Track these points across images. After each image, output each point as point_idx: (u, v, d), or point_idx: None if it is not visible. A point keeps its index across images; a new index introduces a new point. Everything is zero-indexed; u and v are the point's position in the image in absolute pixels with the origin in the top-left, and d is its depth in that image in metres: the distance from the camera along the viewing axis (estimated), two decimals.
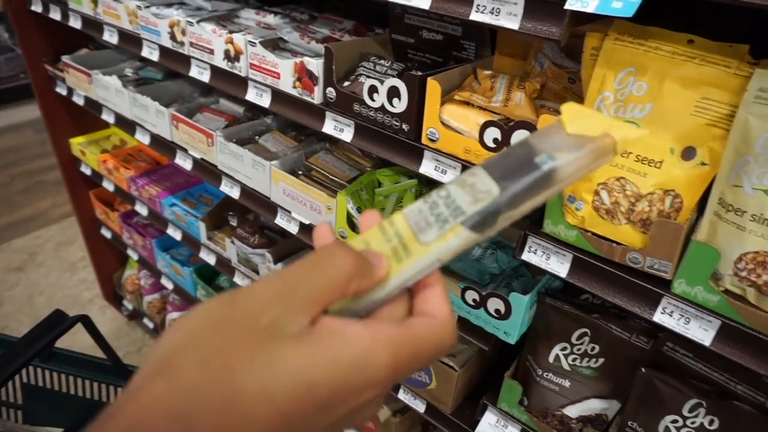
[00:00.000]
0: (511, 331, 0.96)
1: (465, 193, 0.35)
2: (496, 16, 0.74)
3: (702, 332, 0.74)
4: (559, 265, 0.85)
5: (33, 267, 2.91)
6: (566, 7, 0.64)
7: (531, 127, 0.79)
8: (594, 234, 0.80)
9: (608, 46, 0.75)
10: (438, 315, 0.36)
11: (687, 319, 0.75)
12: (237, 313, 0.29)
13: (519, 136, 0.80)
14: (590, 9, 0.62)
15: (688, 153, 0.72)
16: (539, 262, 0.87)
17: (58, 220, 3.28)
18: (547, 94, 0.94)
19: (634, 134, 0.35)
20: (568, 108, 0.36)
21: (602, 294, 0.81)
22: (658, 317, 0.77)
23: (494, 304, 0.96)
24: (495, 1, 0.74)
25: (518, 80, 0.91)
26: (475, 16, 0.76)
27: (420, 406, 1.27)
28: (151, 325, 2.40)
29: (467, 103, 0.89)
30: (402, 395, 1.30)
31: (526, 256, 0.88)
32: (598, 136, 0.34)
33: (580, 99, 0.91)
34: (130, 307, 2.48)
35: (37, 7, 1.76)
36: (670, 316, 0.76)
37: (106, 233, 2.30)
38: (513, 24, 0.73)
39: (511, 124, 0.80)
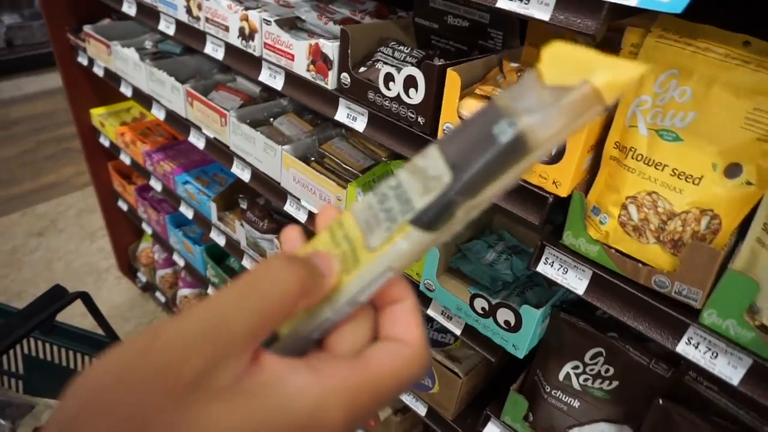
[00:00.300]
0: (520, 345, 0.90)
1: (415, 180, 0.28)
2: (526, 4, 0.66)
3: (730, 369, 0.66)
4: (576, 281, 0.78)
5: (54, 233, 2.94)
6: None
7: None
8: (618, 251, 0.73)
9: (650, 43, 0.67)
10: (407, 340, 0.30)
11: (714, 354, 0.68)
12: (155, 362, 0.24)
13: None
14: (632, 2, 0.54)
15: (732, 170, 0.64)
16: (555, 275, 0.80)
17: (81, 187, 3.30)
18: None
19: (624, 76, 0.25)
20: (551, 50, 0.27)
21: (621, 317, 0.74)
22: (682, 348, 0.70)
23: (504, 315, 0.89)
24: None
25: None
26: (502, 3, 0.69)
27: (421, 409, 1.22)
28: (163, 298, 2.40)
29: (489, 98, 0.82)
30: (403, 396, 1.25)
31: (542, 268, 0.81)
32: (575, 84, 0.26)
33: None
34: (143, 279, 2.48)
35: None
36: (696, 348, 0.69)
37: (123, 205, 2.29)
38: (544, 14, 0.65)
39: None
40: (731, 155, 0.63)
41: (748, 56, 0.61)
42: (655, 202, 0.68)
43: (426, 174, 0.28)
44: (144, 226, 2.17)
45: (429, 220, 0.27)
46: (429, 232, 0.27)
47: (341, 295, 0.29)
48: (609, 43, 0.84)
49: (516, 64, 0.88)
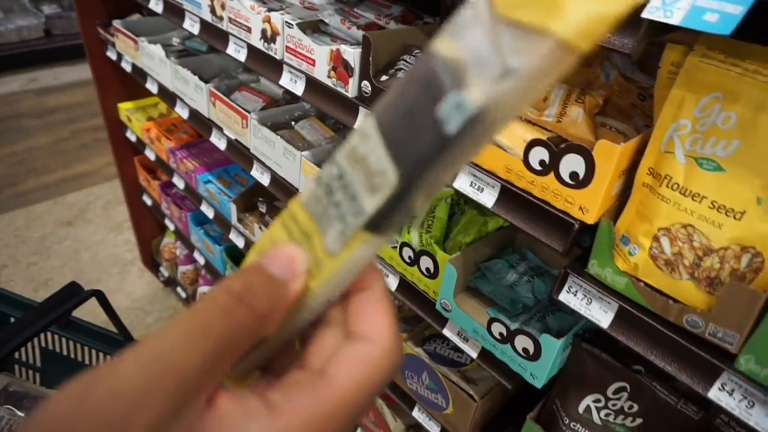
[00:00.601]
0: (538, 375, 0.85)
1: (359, 173, 0.25)
2: None
3: None
4: (601, 313, 0.73)
5: (82, 223, 2.99)
6: (644, 15, 0.51)
7: (585, 152, 0.66)
8: (647, 285, 0.67)
9: (692, 63, 0.61)
10: (375, 337, 0.27)
11: (751, 402, 0.62)
12: (92, 420, 0.20)
13: (570, 160, 0.68)
14: (675, 21, 0.49)
15: None
16: (578, 306, 0.75)
17: (110, 178, 3.35)
18: (610, 111, 0.81)
19: (604, 11, 0.19)
20: None
21: (648, 355, 0.69)
22: (714, 394, 0.65)
23: (522, 342, 0.85)
24: None
25: (578, 92, 0.78)
26: None
27: (434, 428, 1.18)
28: (184, 294, 2.41)
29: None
30: (416, 413, 1.21)
31: (564, 296, 0.76)
32: (537, 26, 0.20)
33: (650, 119, 0.78)
34: (166, 274, 2.50)
35: None
36: (730, 395, 0.64)
37: (147, 200, 2.30)
38: None
39: (563, 146, 0.68)
40: None
41: None
42: (690, 235, 0.62)
43: (369, 166, 0.24)
44: (167, 221, 2.18)
45: (383, 225, 0.24)
46: (385, 235, 0.25)
47: (312, 299, 0.27)
48: (646, 59, 0.79)
49: None
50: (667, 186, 0.64)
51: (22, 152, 3.52)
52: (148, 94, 2.14)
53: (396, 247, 1.02)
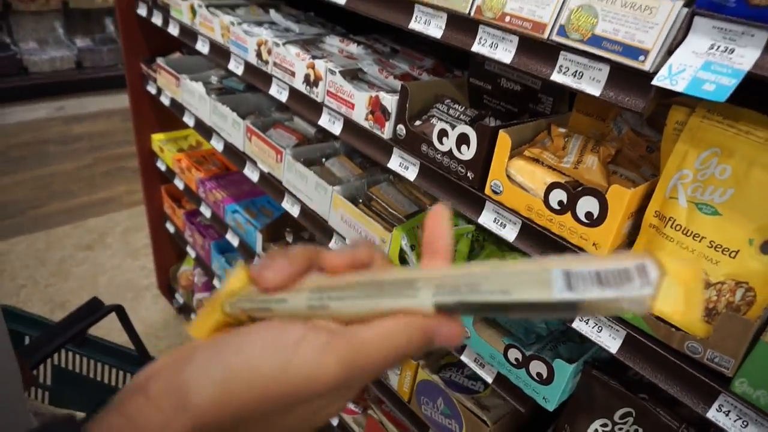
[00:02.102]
0: (550, 398, 0.92)
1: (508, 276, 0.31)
2: (578, 79, 0.73)
3: None
4: (610, 340, 0.81)
5: (101, 247, 3.08)
6: (654, 82, 0.62)
7: (599, 195, 0.76)
8: (652, 315, 0.76)
9: (694, 123, 0.72)
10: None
11: (745, 423, 0.70)
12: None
13: (585, 202, 0.78)
14: (679, 88, 0.60)
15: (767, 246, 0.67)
16: (589, 332, 0.83)
17: (130, 206, 3.46)
18: (621, 160, 0.91)
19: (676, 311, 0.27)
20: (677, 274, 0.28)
21: (653, 378, 0.77)
22: (713, 414, 0.72)
23: (537, 367, 0.92)
24: (579, 65, 0.72)
25: (593, 143, 0.89)
26: (556, 77, 0.75)
27: None
28: None
29: (536, 160, 0.87)
30: None
31: (577, 324, 0.84)
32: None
33: (656, 169, 0.88)
34: (180, 300, 2.57)
35: (142, 11, 1.89)
36: (727, 415, 0.71)
37: (170, 227, 2.40)
38: (595, 90, 0.71)
39: (579, 189, 0.78)
40: (767, 232, 0.67)
41: None
42: None
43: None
44: (188, 249, 2.27)
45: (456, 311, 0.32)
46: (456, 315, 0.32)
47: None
48: (654, 116, 0.90)
49: (563, 130, 0.93)
50: (671, 227, 0.73)
51: (47, 176, 3.64)
52: (180, 126, 2.28)
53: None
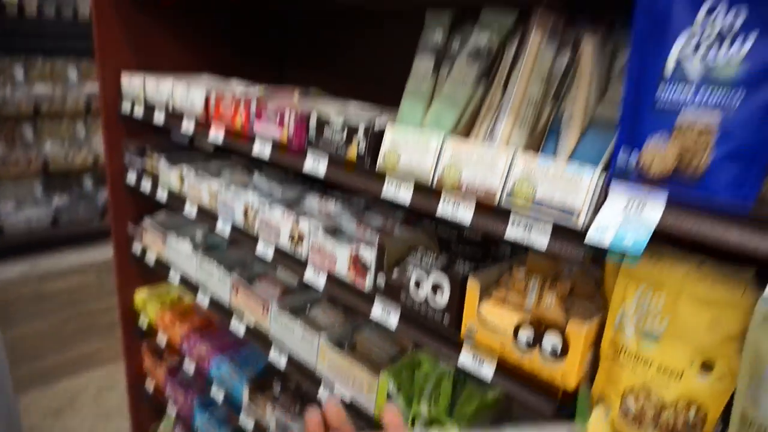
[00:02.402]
0: None
1: None
2: (528, 232, 0.87)
3: None
4: None
5: (71, 412, 2.96)
6: (586, 241, 0.76)
7: (560, 330, 0.87)
8: None
9: (627, 263, 0.86)
10: None
11: None
12: None
13: (549, 338, 0.89)
14: (605, 243, 0.74)
15: (706, 367, 0.78)
16: None
17: (103, 363, 3.38)
18: (578, 293, 1.04)
19: None
20: None
21: None
22: None
23: None
24: (528, 219, 0.87)
25: (550, 281, 1.02)
26: (510, 231, 0.89)
27: None
28: None
29: (503, 301, 0.99)
30: None
31: None
32: None
33: (607, 302, 1.00)
34: None
35: (131, 182, 2.05)
36: None
37: (149, 385, 2.37)
38: (543, 242, 0.85)
39: (542, 328, 0.89)
40: (703, 354, 0.78)
41: (704, 274, 0.79)
42: (648, 394, 0.81)
43: None
44: (169, 406, 2.23)
45: None
46: None
47: None
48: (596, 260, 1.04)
49: (522, 273, 1.06)
50: (624, 355, 0.84)
51: (17, 339, 3.57)
52: (162, 280, 2.35)
53: (408, 420, 1.16)
